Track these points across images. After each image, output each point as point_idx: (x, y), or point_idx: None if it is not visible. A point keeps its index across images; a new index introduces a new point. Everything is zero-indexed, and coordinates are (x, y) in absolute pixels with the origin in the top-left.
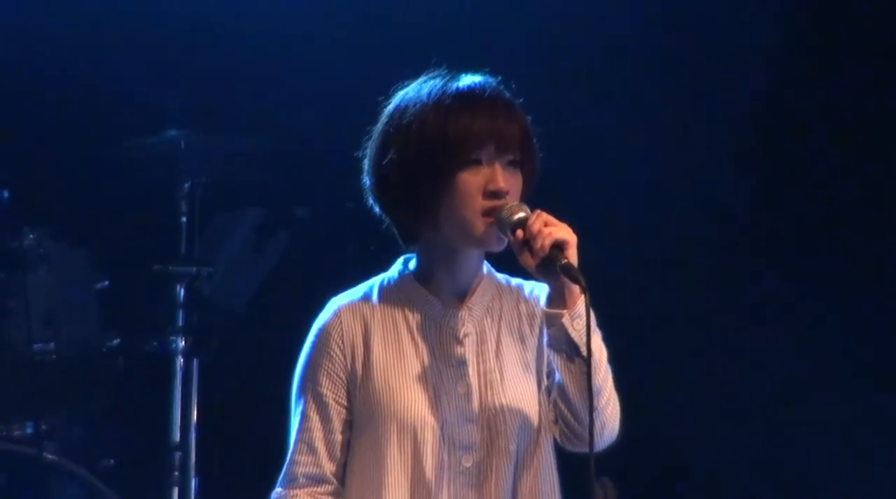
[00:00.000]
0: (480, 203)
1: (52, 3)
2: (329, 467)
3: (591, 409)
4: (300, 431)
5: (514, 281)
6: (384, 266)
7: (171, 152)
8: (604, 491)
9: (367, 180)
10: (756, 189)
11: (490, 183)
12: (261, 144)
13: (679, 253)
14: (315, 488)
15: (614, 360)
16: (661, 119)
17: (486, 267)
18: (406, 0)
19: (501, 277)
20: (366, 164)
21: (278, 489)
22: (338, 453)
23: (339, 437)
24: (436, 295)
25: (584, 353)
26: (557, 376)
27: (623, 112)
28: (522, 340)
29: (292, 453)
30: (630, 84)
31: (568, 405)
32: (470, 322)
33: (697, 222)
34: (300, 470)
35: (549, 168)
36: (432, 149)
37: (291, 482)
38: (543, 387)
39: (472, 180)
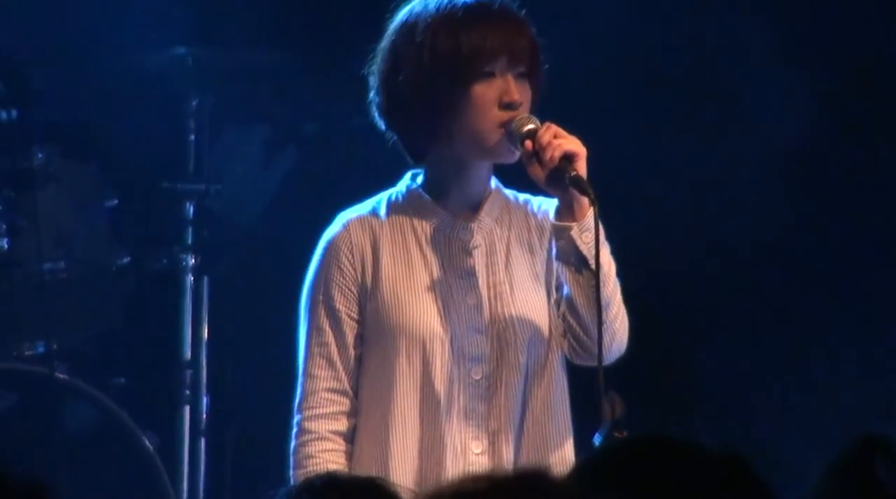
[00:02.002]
0: (496, 114)
1: None
2: (347, 381)
3: (600, 322)
4: (315, 345)
5: (522, 196)
6: (393, 182)
7: (179, 69)
8: (612, 405)
9: (375, 98)
10: None
11: (504, 95)
12: (268, 59)
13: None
14: (335, 408)
15: (622, 273)
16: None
17: (494, 182)
18: None
19: (509, 192)
20: (373, 81)
21: (298, 416)
22: (352, 368)
23: (352, 351)
24: (445, 208)
25: (593, 265)
26: (566, 290)
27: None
28: (532, 252)
29: (308, 367)
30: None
31: (577, 318)
32: (479, 234)
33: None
34: (320, 384)
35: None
36: (446, 63)
37: (312, 400)
38: (553, 300)
39: (486, 93)
